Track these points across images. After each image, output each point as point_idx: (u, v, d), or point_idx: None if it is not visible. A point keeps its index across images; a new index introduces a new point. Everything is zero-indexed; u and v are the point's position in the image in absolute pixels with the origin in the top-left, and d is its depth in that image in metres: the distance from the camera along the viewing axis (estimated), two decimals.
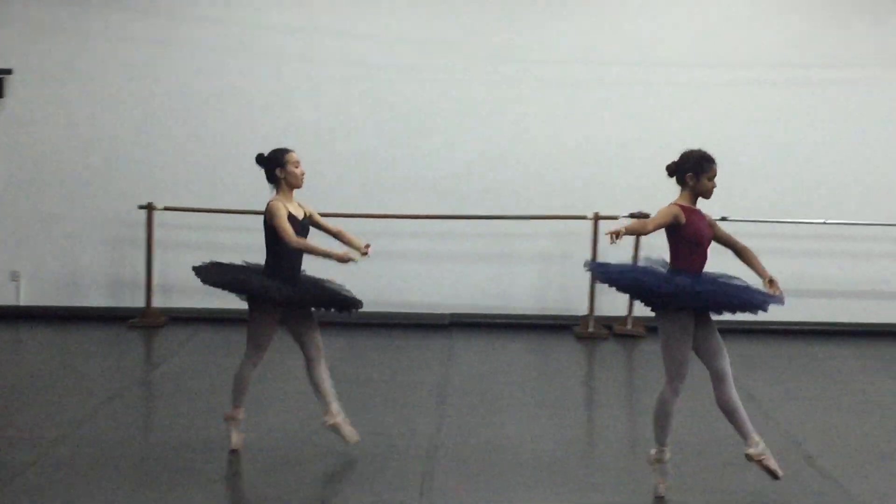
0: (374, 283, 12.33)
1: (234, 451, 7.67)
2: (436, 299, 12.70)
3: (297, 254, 7.59)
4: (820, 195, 12.63)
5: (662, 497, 7.04)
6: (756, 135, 12.66)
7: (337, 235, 7.80)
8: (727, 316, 7.10)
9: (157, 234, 12.32)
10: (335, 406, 7.78)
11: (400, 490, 7.03)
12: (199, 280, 7.60)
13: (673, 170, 7.15)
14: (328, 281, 7.83)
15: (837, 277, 12.75)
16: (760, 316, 11.60)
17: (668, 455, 7.15)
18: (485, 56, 12.62)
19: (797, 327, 12.57)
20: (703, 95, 12.64)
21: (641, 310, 12.47)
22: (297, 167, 7.61)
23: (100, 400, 9.02)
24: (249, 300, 7.57)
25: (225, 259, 8.00)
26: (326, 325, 8.03)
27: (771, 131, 12.68)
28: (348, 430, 7.80)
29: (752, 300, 7.01)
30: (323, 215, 7.93)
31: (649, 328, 12.38)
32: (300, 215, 7.63)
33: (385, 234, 12.39)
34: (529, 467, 7.50)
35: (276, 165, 7.61)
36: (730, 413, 7.08)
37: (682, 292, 6.84)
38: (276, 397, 9.21)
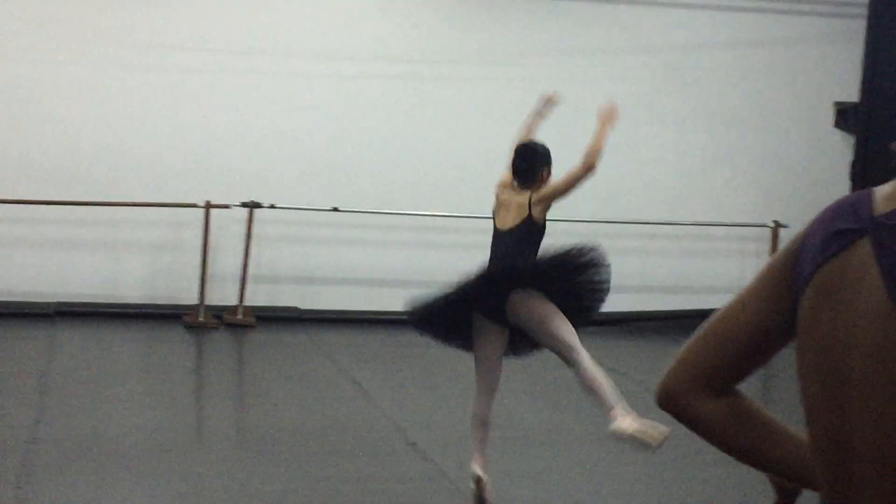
0: None
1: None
2: (40, 288, 12.25)
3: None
4: (424, 188, 12.96)
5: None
6: (363, 127, 12.84)
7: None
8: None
9: None
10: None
11: None
12: None
13: None
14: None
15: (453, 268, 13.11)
16: (372, 306, 11.88)
17: None
18: (98, 38, 12.28)
19: (403, 317, 12.86)
20: (314, 86, 12.71)
21: (253, 299, 12.56)
22: None
23: None
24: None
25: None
26: None
27: (379, 124, 12.88)
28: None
29: None
30: None
31: (259, 318, 12.39)
32: None
33: None
34: (135, 458, 7.37)
35: (547, 164, 6.73)
36: None
37: None
38: None
